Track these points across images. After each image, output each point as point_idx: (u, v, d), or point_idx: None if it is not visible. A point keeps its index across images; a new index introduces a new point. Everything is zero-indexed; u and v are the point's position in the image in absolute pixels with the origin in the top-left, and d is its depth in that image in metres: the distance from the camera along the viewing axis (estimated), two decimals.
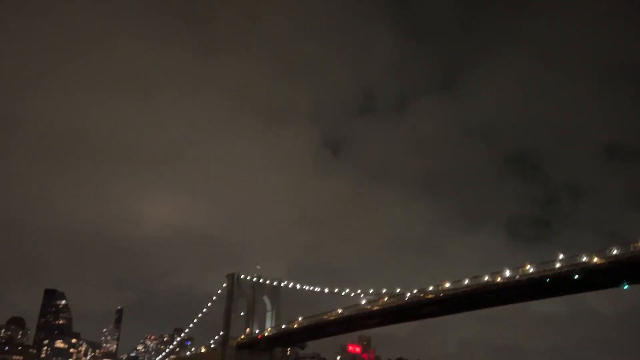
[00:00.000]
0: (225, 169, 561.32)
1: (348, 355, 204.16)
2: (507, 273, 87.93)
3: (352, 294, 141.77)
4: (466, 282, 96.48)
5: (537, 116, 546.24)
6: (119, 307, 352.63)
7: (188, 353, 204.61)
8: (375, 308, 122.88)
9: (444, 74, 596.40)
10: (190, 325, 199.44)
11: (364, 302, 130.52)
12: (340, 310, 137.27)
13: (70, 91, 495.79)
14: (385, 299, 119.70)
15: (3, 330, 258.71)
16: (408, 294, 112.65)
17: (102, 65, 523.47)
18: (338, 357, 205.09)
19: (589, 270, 74.93)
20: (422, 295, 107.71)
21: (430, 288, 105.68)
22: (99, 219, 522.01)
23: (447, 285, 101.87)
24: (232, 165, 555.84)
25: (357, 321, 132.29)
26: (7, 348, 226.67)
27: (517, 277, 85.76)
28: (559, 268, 79.69)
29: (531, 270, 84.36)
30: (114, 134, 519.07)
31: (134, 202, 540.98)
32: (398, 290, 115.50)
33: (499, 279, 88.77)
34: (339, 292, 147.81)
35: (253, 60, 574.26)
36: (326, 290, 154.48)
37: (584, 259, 75.54)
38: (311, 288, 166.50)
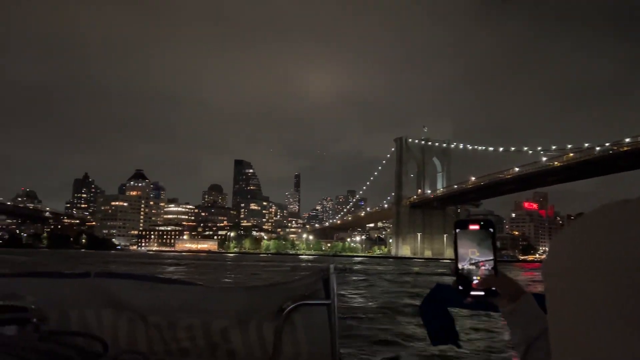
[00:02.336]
0: (382, 31, 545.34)
1: (524, 212, 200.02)
2: None
3: (531, 152, 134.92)
4: None
5: None
6: (296, 173, 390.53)
7: (363, 213, 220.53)
8: (558, 164, 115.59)
9: None
10: (364, 188, 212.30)
11: (544, 159, 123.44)
12: (517, 169, 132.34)
13: None
14: (571, 154, 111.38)
15: (206, 196, 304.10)
16: (598, 148, 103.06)
17: None
18: (513, 215, 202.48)
19: None
20: (615, 148, 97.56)
21: (627, 140, 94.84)
22: (270, 93, 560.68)
23: None
24: (390, 26, 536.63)
25: (536, 178, 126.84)
26: (212, 210, 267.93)
27: None
28: None
29: None
30: (272, 13, 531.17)
31: (298, 76, 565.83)
32: (587, 145, 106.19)
33: None
34: (516, 150, 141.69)
35: None
36: (501, 149, 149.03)
37: None
38: (482, 148, 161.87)
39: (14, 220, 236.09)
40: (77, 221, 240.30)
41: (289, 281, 2.07)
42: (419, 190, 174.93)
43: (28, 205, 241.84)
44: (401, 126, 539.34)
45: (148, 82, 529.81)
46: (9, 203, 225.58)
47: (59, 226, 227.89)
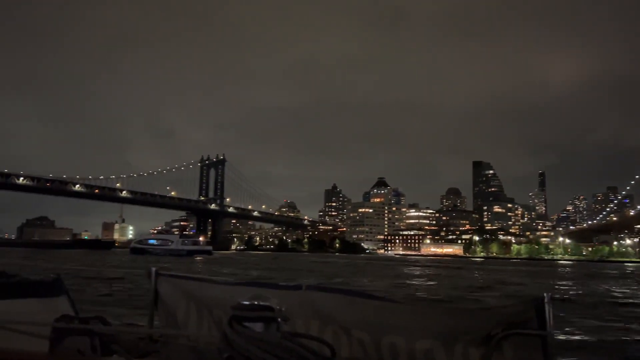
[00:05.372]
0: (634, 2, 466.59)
1: None
2: None
3: None
4: None
5: None
6: (540, 171, 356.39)
7: (632, 212, 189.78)
8: None
9: None
10: (632, 182, 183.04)
11: None
12: None
13: None
14: None
15: (444, 200, 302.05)
16: None
17: None
18: None
19: None
20: None
21: None
22: (508, 87, 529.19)
23: None
24: None
25: None
26: (453, 214, 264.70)
27: None
28: None
29: None
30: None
31: (538, 64, 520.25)
32: None
33: None
34: None
35: None
36: None
37: None
38: None
39: (280, 228, 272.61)
40: (330, 227, 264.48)
41: (497, 306, 2.01)
42: None
43: (290, 214, 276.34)
44: None
45: (385, 93, 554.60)
46: (276, 213, 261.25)
47: (316, 232, 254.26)
